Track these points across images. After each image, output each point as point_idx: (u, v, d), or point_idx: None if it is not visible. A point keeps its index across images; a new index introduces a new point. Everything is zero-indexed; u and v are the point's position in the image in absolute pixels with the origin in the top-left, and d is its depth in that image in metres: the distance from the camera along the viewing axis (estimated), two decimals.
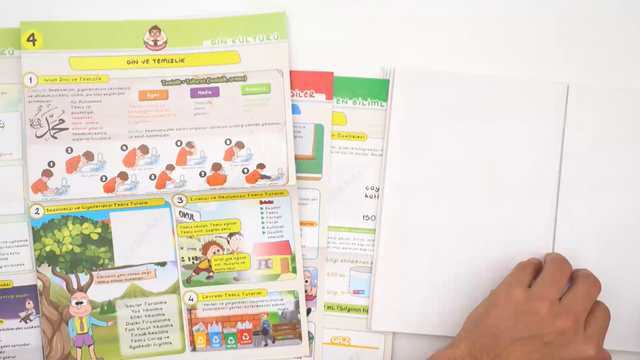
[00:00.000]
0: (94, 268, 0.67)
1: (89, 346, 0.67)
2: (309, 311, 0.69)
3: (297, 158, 0.68)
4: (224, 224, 0.68)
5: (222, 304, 0.68)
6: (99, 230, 0.67)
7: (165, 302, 0.68)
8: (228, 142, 0.68)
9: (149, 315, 0.67)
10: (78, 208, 0.67)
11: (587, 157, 0.67)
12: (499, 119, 0.68)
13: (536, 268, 0.66)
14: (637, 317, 0.67)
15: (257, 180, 0.67)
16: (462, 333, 0.63)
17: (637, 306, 0.67)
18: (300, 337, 0.68)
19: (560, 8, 0.69)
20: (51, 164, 0.67)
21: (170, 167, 0.67)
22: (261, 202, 0.68)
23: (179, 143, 0.68)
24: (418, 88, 0.68)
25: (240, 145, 0.68)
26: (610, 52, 0.69)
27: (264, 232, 0.68)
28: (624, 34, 0.69)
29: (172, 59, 0.68)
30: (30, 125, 0.66)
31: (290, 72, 0.68)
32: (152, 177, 0.67)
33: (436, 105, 0.68)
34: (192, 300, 0.68)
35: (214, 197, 0.68)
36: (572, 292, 0.62)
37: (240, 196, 0.68)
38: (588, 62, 0.69)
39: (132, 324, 0.67)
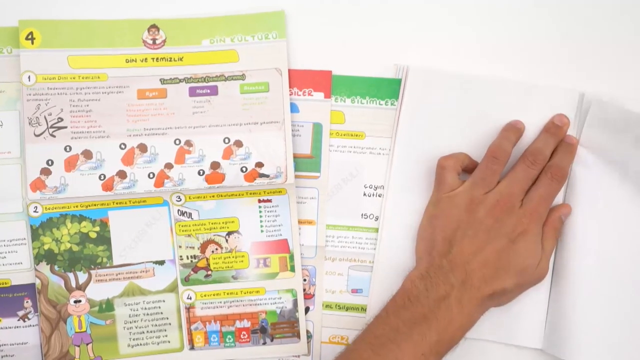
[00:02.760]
0: (93, 266, 0.67)
1: (87, 345, 0.67)
2: (307, 310, 0.69)
3: (295, 157, 0.68)
4: (223, 223, 0.68)
5: (221, 302, 0.68)
6: (97, 228, 0.67)
7: (164, 301, 0.68)
8: (227, 140, 0.68)
9: (148, 314, 0.67)
10: (76, 206, 0.67)
11: (595, 162, 0.67)
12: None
13: (461, 164, 0.67)
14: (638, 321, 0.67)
15: (255, 179, 0.67)
16: (418, 255, 0.66)
17: (634, 310, 0.67)
18: (298, 336, 0.68)
19: (573, 13, 0.69)
20: (50, 162, 0.67)
21: (168, 166, 0.67)
22: (259, 201, 0.68)
23: (177, 142, 0.68)
24: (429, 88, 0.68)
25: (238, 143, 0.68)
26: (627, 59, 0.69)
27: (262, 231, 0.68)
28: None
29: (170, 58, 0.68)
30: (29, 123, 0.67)
31: (289, 70, 0.68)
32: (151, 175, 0.67)
33: (445, 106, 0.68)
34: (190, 298, 0.68)
35: (213, 196, 0.68)
36: (508, 173, 0.65)
37: (239, 195, 0.68)
38: (602, 68, 0.67)
39: (130, 322, 0.67)
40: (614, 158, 0.66)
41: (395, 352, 0.59)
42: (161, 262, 0.68)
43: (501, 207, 0.63)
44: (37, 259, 0.67)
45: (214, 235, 0.68)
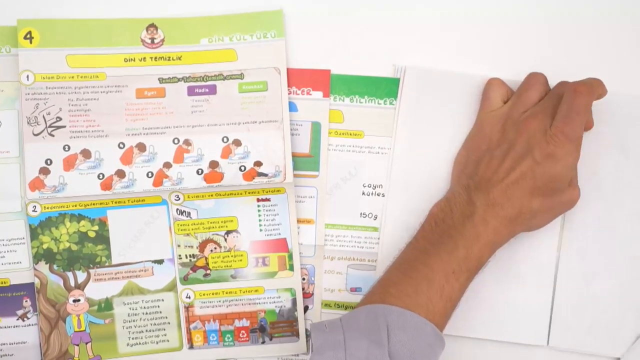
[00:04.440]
0: (92, 266, 0.67)
1: (86, 344, 0.67)
2: (306, 309, 0.69)
3: (294, 155, 0.68)
4: (221, 222, 0.68)
5: (220, 301, 0.68)
6: (96, 227, 0.67)
7: (163, 300, 0.68)
8: (225, 139, 0.68)
9: (147, 313, 0.67)
10: (75, 206, 0.67)
11: (596, 159, 0.67)
12: None
13: (507, 91, 0.66)
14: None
15: (254, 178, 0.67)
16: (451, 181, 0.66)
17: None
18: (297, 335, 0.68)
19: (571, 14, 0.69)
20: (48, 161, 0.67)
21: (167, 165, 0.67)
22: (258, 200, 0.68)
23: (176, 141, 0.68)
24: (427, 87, 0.68)
25: (237, 142, 0.68)
26: (627, 60, 0.69)
27: (261, 230, 0.68)
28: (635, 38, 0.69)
29: (169, 57, 0.68)
30: (28, 123, 0.67)
31: (288, 69, 0.68)
32: (150, 174, 0.67)
33: (444, 105, 0.68)
34: (189, 298, 0.68)
35: (211, 195, 0.68)
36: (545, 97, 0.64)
37: (238, 194, 0.68)
38: (602, 69, 0.66)
39: (129, 321, 0.67)
40: (617, 156, 0.66)
41: (425, 272, 0.60)
42: (160, 261, 0.68)
43: (530, 126, 0.61)
44: (36, 258, 0.67)
45: (213, 234, 0.68)
